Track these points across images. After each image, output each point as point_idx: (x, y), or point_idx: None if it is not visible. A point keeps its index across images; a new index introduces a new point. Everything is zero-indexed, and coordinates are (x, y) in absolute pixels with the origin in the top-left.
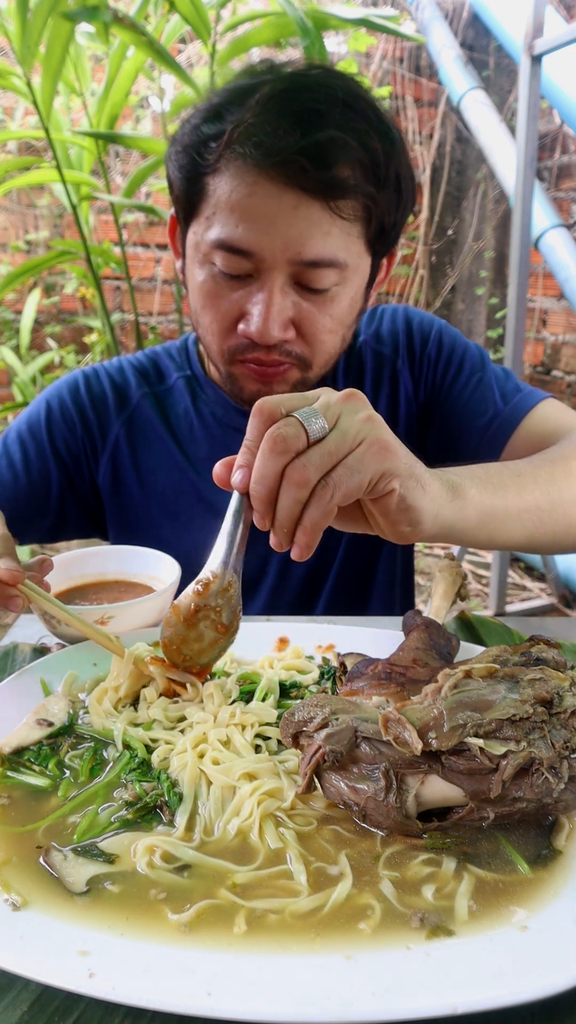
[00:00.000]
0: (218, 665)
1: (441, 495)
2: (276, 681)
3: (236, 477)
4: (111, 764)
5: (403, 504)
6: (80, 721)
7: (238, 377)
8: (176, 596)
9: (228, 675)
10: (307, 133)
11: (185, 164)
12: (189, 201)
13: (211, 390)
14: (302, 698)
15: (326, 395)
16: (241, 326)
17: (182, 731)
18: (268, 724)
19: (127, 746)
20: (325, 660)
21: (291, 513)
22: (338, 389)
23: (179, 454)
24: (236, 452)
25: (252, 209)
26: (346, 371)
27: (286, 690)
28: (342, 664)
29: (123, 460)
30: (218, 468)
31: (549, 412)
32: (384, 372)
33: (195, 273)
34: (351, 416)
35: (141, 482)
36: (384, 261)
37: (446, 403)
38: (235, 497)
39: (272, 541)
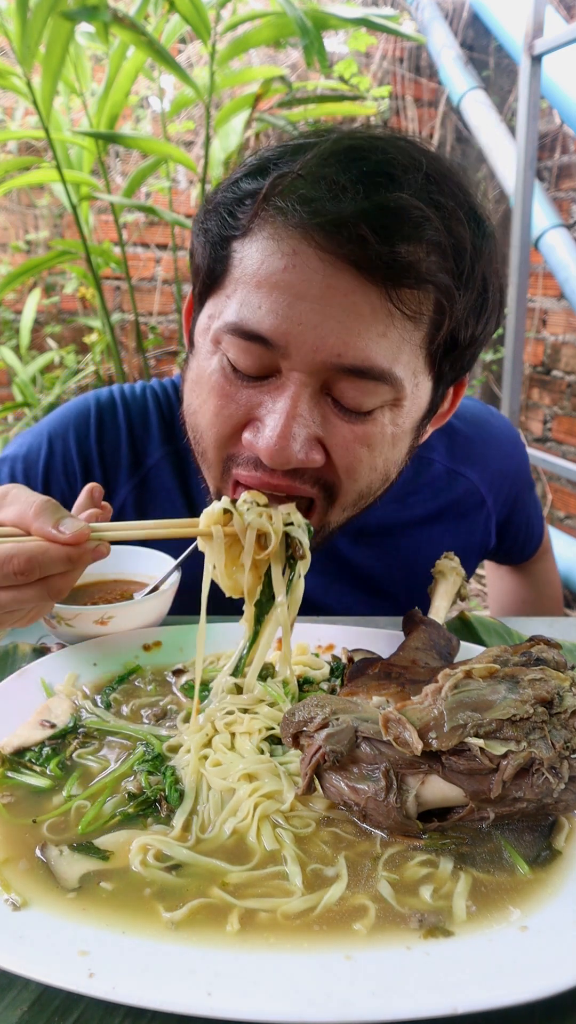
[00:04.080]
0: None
1: None
2: (295, 681)
3: None
4: (126, 755)
5: None
6: (85, 717)
7: (226, 491)
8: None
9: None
10: (372, 194)
11: (212, 226)
12: (210, 272)
13: None
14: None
15: None
16: (246, 435)
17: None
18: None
19: (144, 741)
20: (335, 657)
21: None
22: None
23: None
24: None
25: (284, 285)
26: (412, 487)
27: (300, 686)
28: (351, 660)
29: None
30: None
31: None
32: (472, 507)
33: (201, 363)
34: None
35: None
36: (451, 389)
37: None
38: None
39: None
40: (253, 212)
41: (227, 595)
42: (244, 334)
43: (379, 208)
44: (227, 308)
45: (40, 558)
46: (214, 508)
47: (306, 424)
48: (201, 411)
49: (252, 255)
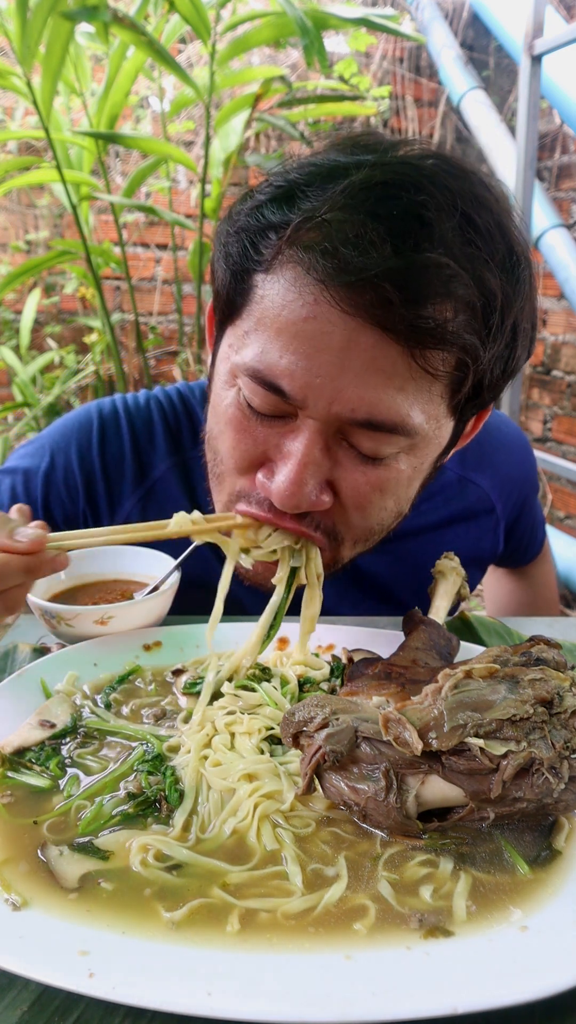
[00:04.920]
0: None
1: None
2: (295, 679)
3: None
4: (126, 755)
5: None
6: (87, 716)
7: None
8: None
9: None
10: (401, 249)
11: (234, 252)
12: (230, 299)
13: None
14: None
15: None
16: (260, 475)
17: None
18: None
19: (144, 740)
20: (335, 657)
21: None
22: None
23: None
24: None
25: (305, 336)
26: (425, 495)
27: (300, 686)
28: (351, 660)
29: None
30: None
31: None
32: (482, 514)
33: (219, 390)
34: None
35: None
36: (473, 418)
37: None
38: None
39: None
40: (276, 250)
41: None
42: (263, 383)
43: (406, 267)
44: (247, 347)
45: (1, 570)
46: (186, 516)
47: (318, 471)
48: (220, 439)
49: (274, 297)
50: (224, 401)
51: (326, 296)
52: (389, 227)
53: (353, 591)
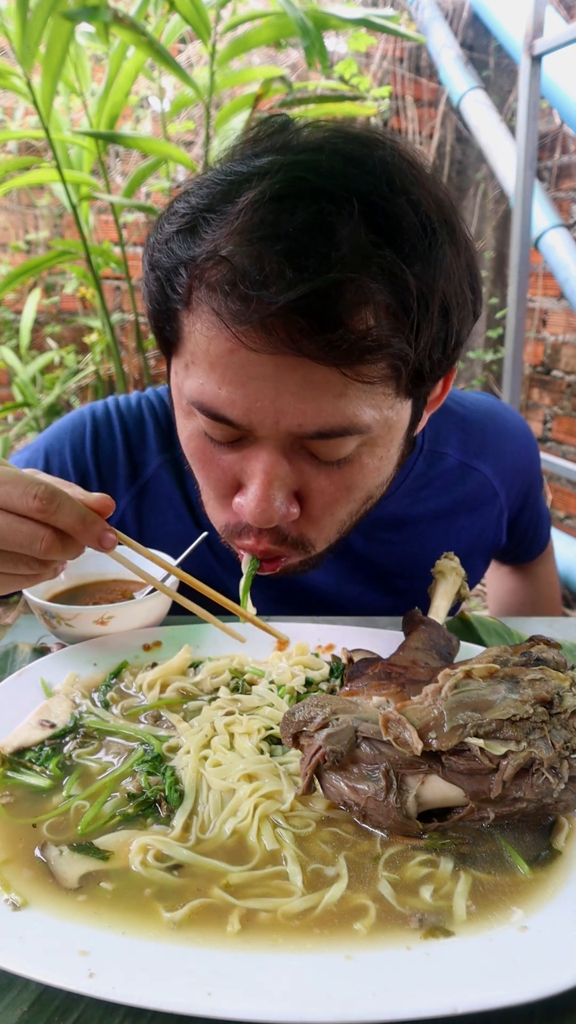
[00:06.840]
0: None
1: None
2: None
3: None
4: (125, 756)
5: None
6: (87, 717)
7: (236, 552)
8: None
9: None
10: (302, 273)
11: (154, 289)
12: (162, 333)
13: None
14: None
15: None
16: (237, 499)
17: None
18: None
19: (144, 740)
20: (335, 657)
21: None
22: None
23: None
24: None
25: (236, 367)
26: (424, 481)
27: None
28: (350, 660)
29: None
30: None
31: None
32: (485, 502)
33: (180, 418)
34: None
35: None
36: (439, 383)
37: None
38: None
39: None
40: (188, 289)
41: None
42: (211, 415)
43: (311, 293)
44: (189, 378)
45: (63, 498)
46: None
47: (283, 484)
48: (195, 470)
49: (198, 336)
50: (186, 431)
51: (242, 334)
52: (288, 248)
53: (355, 582)
